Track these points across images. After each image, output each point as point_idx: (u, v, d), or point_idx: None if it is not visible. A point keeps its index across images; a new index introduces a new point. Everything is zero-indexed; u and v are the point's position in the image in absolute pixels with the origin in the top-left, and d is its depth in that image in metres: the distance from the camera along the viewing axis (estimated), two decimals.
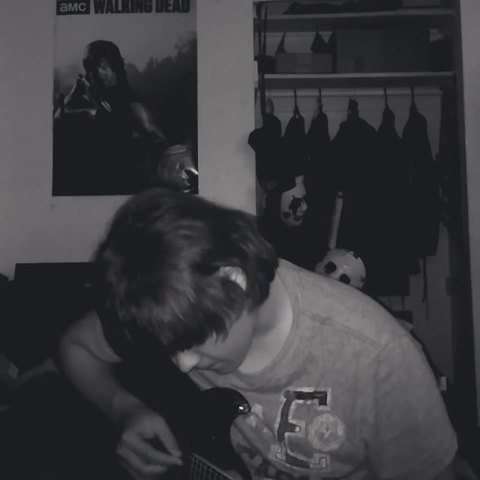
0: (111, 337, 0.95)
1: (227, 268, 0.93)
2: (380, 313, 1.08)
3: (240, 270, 0.94)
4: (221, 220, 0.96)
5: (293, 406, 1.07)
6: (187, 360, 0.97)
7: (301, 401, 1.07)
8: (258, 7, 3.17)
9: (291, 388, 1.07)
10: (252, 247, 0.96)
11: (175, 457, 1.10)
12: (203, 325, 0.91)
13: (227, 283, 0.92)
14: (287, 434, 1.08)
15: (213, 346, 0.94)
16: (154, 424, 1.11)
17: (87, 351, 1.31)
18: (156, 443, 1.10)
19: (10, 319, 2.62)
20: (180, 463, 1.10)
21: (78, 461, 1.38)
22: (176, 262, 0.89)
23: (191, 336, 0.91)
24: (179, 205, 0.95)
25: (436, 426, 1.05)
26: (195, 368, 1.00)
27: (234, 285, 0.93)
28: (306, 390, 1.06)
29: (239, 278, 0.94)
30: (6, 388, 2.40)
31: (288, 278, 1.09)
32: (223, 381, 1.13)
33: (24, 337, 2.54)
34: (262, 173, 3.07)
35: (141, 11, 3.18)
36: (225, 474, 1.08)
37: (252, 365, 1.09)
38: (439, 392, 1.07)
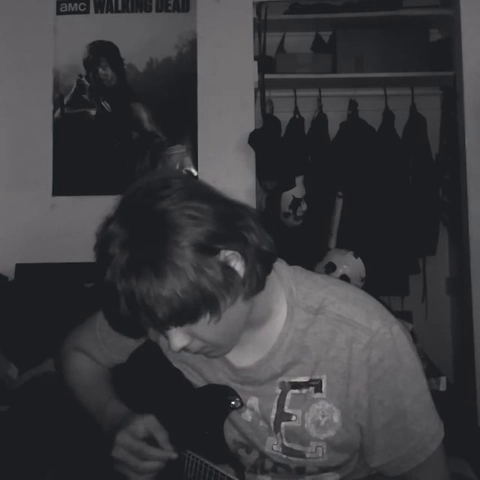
0: (108, 310, 0.96)
1: (228, 253, 0.95)
2: (370, 302, 1.11)
3: (240, 257, 0.96)
4: (227, 207, 0.99)
5: (289, 396, 1.09)
6: (178, 340, 0.98)
7: (297, 391, 1.09)
8: (258, 7, 3.17)
9: (286, 379, 1.09)
10: (254, 237, 0.99)
11: (170, 451, 1.10)
12: (199, 304, 0.93)
13: (226, 268, 0.95)
14: (284, 424, 1.09)
15: (205, 327, 0.96)
16: (146, 422, 1.12)
17: (88, 357, 1.32)
18: (150, 441, 1.11)
19: (10, 319, 2.62)
20: (175, 456, 1.10)
21: (78, 461, 1.38)
22: (179, 239, 0.91)
23: (186, 313, 0.93)
24: (188, 187, 0.99)
25: (423, 413, 1.08)
26: (185, 350, 1.01)
27: (232, 271, 0.96)
28: (301, 380, 1.08)
29: (238, 265, 0.96)
30: (6, 388, 2.41)
31: (283, 272, 1.12)
32: (219, 377, 1.14)
33: (24, 337, 2.54)
34: (262, 173, 3.07)
35: (141, 11, 3.18)
36: (218, 468, 1.09)
37: (247, 359, 1.12)
38: (426, 381, 1.10)
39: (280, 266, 1.12)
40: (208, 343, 1.01)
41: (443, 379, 2.20)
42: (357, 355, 1.05)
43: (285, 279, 1.11)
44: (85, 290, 2.72)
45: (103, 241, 0.95)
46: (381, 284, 2.87)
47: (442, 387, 2.16)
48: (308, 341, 1.08)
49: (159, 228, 0.92)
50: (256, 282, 0.99)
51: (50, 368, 2.20)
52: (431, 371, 2.14)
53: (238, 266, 0.96)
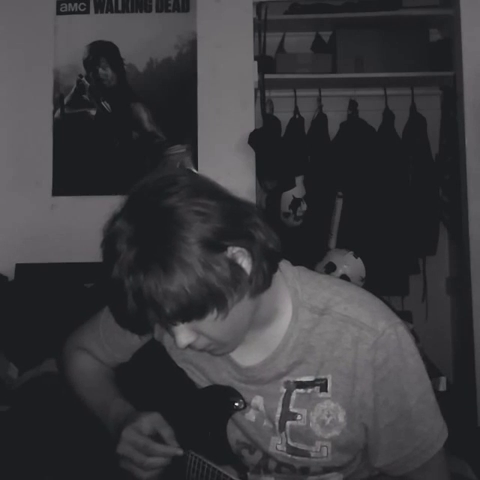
0: (115, 307, 0.96)
1: (235, 249, 0.95)
2: (375, 302, 1.11)
3: (247, 254, 0.96)
4: (234, 204, 0.99)
5: (294, 395, 1.09)
6: (184, 336, 0.98)
7: (302, 390, 1.09)
8: (258, 7, 3.17)
9: (291, 378, 1.09)
10: (261, 235, 0.99)
11: (175, 447, 1.10)
12: (206, 300, 0.93)
13: (233, 265, 0.95)
14: (289, 423, 1.09)
15: (212, 324, 0.96)
16: (152, 418, 1.12)
17: (90, 356, 1.32)
18: (155, 438, 1.11)
19: (10, 319, 2.62)
20: (180, 452, 1.10)
21: (78, 462, 1.39)
22: (187, 235, 0.91)
23: (193, 309, 0.93)
24: (195, 184, 1.00)
25: (428, 413, 1.08)
26: (190, 347, 1.01)
27: (239, 268, 0.96)
28: (306, 379, 1.09)
29: (245, 262, 0.96)
30: (6, 388, 2.41)
31: (288, 272, 1.12)
32: (223, 376, 1.14)
33: (24, 337, 2.54)
34: (262, 173, 3.07)
35: (141, 11, 3.18)
36: (220, 469, 1.09)
37: (252, 358, 1.12)
38: (430, 382, 1.10)
39: (285, 266, 1.12)
40: (214, 340, 1.01)
41: (443, 379, 2.20)
42: (362, 355, 1.05)
43: (290, 279, 1.11)
44: (85, 290, 2.72)
45: (110, 237, 0.95)
46: (381, 284, 2.86)
47: (442, 387, 2.16)
48: (313, 341, 1.08)
49: (166, 224, 0.92)
50: (262, 280, 1.00)
51: (50, 368, 2.21)
52: (431, 371, 2.13)
53: (245, 263, 0.96)
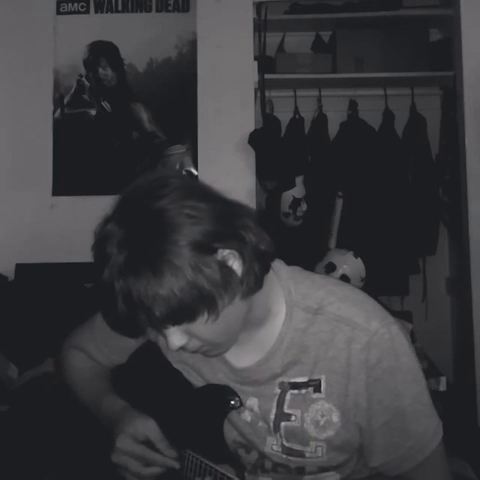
0: (106, 310, 0.97)
1: (226, 252, 0.95)
2: (370, 302, 1.11)
3: (237, 256, 0.97)
4: (225, 206, 0.99)
5: (288, 396, 1.09)
6: (176, 339, 0.98)
7: (296, 391, 1.09)
8: (258, 7, 3.17)
9: (285, 379, 1.09)
10: (252, 236, 0.99)
11: (172, 459, 1.10)
12: (196, 303, 0.93)
13: (224, 267, 0.95)
14: (283, 424, 1.09)
15: (203, 326, 0.96)
16: (146, 427, 1.12)
17: (85, 355, 1.32)
18: (149, 445, 1.11)
19: (10, 319, 2.62)
20: (178, 467, 1.10)
21: (78, 462, 1.38)
22: (177, 238, 0.92)
23: (184, 312, 0.93)
24: (186, 186, 0.99)
25: (423, 412, 1.08)
26: (183, 349, 1.01)
27: (230, 270, 0.96)
28: (300, 380, 1.08)
29: (235, 264, 0.97)
30: (6, 388, 2.41)
31: (281, 272, 1.12)
32: (219, 377, 1.14)
33: (24, 337, 2.54)
34: (262, 173, 3.07)
35: (141, 11, 3.18)
36: (218, 468, 1.09)
37: (247, 359, 1.12)
38: (425, 381, 1.10)
39: (278, 266, 1.12)
40: (206, 342, 1.01)
41: (443, 379, 2.20)
42: (356, 355, 1.05)
43: (284, 279, 1.11)
44: (85, 290, 2.72)
45: (101, 240, 0.95)
46: (381, 284, 2.87)
47: (442, 387, 2.16)
48: (308, 341, 1.08)
49: (157, 227, 0.93)
50: (254, 281, 1.00)
51: (50, 368, 2.21)
52: (431, 371, 2.14)
53: (236, 265, 0.97)
